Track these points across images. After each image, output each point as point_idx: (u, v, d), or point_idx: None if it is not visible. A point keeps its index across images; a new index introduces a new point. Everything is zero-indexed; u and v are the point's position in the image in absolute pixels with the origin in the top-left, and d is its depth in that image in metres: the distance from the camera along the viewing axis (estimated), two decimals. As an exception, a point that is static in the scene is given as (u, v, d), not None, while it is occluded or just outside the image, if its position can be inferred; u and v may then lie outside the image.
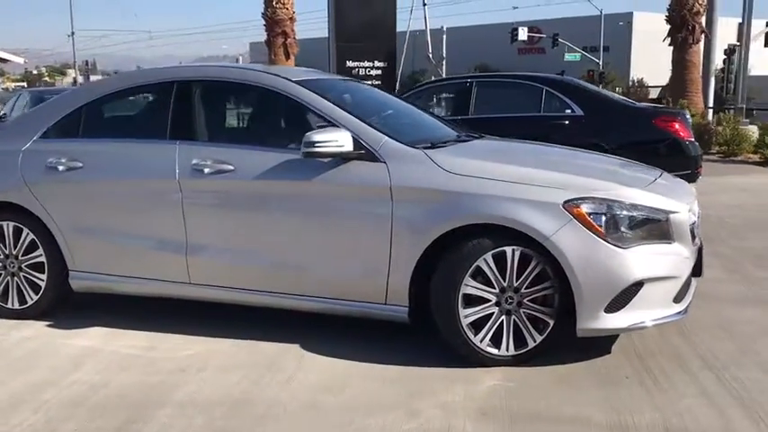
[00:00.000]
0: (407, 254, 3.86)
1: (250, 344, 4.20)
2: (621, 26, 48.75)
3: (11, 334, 4.49)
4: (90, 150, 4.54)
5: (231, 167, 4.15)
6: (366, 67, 17.08)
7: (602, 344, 4.05)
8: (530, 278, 3.74)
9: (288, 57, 17.21)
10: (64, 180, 4.54)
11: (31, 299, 4.70)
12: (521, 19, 56.43)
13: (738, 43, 26.62)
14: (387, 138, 4.03)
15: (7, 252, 4.71)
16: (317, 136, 3.89)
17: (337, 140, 3.89)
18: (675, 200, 3.88)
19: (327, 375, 3.76)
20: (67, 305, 4.79)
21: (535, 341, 3.80)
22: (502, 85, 9.24)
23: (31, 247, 4.66)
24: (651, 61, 46.65)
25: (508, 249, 3.71)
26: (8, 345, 4.33)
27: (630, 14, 50.35)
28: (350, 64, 17.21)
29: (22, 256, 4.68)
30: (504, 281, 3.74)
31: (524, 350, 3.81)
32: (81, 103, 4.71)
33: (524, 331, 3.79)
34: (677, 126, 8.32)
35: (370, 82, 13.37)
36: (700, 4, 16.43)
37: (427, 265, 3.86)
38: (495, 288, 3.76)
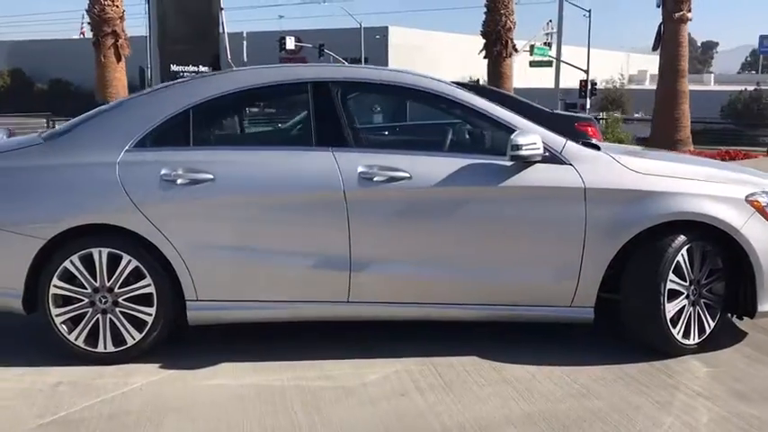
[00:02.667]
0: (601, 254, 3.94)
1: (427, 361, 3.95)
2: (378, 39, 51.34)
3: (130, 382, 3.73)
4: (220, 160, 3.93)
5: (406, 174, 3.88)
6: (192, 72, 16.21)
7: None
8: (707, 270, 4.03)
9: (119, 59, 15.68)
10: (188, 196, 3.88)
11: (133, 338, 3.93)
12: (286, 28, 56.81)
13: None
14: (567, 140, 4.07)
15: (98, 285, 3.89)
16: (521, 139, 3.82)
17: (535, 143, 3.85)
18: (799, 193, 4.41)
19: (559, 383, 3.70)
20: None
21: (711, 328, 4.09)
22: (436, 93, 9.42)
23: (134, 276, 3.91)
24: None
25: (695, 244, 3.96)
26: (152, 393, 3.60)
27: (386, 29, 53.24)
28: (174, 68, 16.32)
29: (120, 288, 3.91)
30: (693, 274, 3.99)
31: (704, 337, 4.09)
32: (184, 107, 4.03)
33: (704, 320, 4.07)
34: (591, 130, 9.20)
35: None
36: (512, 22, 18.06)
37: None
38: (686, 281, 3.98)
